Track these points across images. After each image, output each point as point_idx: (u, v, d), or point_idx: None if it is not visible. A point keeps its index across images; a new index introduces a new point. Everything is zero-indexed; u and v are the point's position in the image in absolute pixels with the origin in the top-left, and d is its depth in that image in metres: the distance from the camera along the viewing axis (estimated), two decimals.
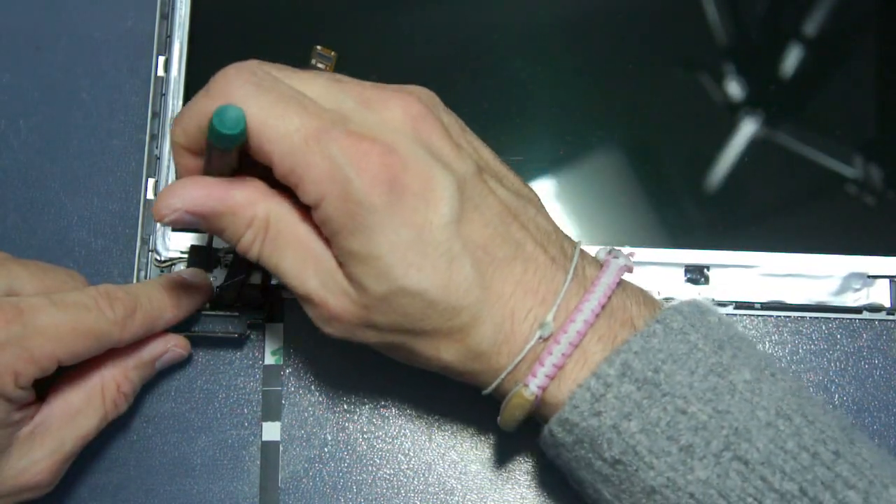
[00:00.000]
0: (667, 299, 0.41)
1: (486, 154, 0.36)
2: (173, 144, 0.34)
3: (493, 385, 0.34)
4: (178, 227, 0.34)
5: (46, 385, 0.36)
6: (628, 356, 0.32)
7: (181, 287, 0.39)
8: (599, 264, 0.35)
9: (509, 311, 0.33)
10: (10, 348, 0.33)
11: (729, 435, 0.31)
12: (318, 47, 0.43)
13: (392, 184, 0.31)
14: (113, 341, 0.36)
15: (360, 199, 0.31)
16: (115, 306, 0.36)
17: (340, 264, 0.33)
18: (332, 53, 0.43)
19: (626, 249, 0.39)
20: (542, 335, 0.33)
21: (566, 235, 0.36)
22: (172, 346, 0.39)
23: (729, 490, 0.31)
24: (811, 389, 0.41)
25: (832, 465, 0.31)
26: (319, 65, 0.43)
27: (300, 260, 0.33)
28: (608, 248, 0.36)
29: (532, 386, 0.33)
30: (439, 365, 0.34)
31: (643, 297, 0.35)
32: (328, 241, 0.33)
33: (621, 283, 0.34)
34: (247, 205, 0.33)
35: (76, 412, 0.36)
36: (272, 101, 0.32)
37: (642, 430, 0.31)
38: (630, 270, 0.34)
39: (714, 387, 0.32)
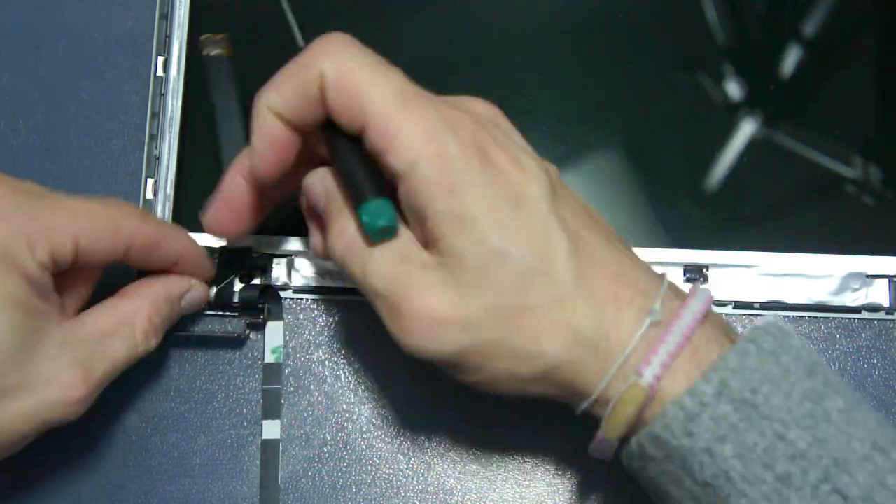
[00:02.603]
0: None
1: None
2: (262, 110, 0.33)
3: (609, 374, 0.31)
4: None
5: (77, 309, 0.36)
6: (725, 374, 0.30)
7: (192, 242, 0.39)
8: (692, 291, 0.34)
9: (611, 295, 0.31)
10: (23, 213, 0.32)
11: (828, 466, 0.29)
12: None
13: (485, 153, 0.31)
14: (129, 235, 0.35)
15: (457, 157, 0.31)
16: (128, 206, 0.36)
17: (432, 243, 0.32)
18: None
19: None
20: (653, 320, 0.31)
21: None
22: (195, 283, 0.39)
23: None
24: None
25: None
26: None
27: (386, 261, 0.32)
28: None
29: (647, 375, 0.30)
30: (541, 365, 0.31)
31: (727, 324, 0.34)
32: (417, 217, 0.32)
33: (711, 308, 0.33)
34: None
35: (107, 334, 0.35)
36: (374, 61, 0.32)
37: (737, 455, 0.30)
38: (711, 304, 0.33)
39: (811, 413, 0.30)
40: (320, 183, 0.35)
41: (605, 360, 0.31)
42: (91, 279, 0.37)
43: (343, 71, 0.32)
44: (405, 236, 0.33)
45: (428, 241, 0.32)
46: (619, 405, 0.31)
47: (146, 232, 0.36)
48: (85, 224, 0.34)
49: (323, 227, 0.36)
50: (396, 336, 0.32)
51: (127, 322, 0.36)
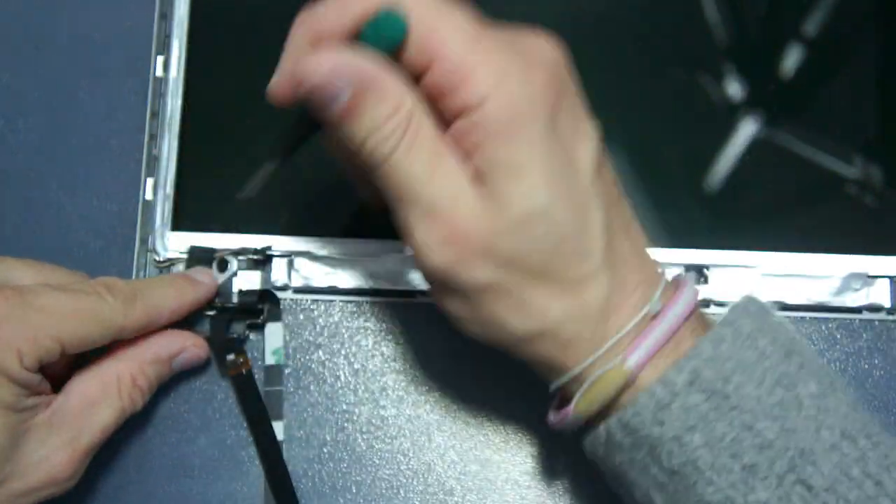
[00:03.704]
0: None
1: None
2: (298, 35, 0.31)
3: (596, 354, 0.31)
4: (311, 96, 0.30)
5: (63, 382, 0.36)
6: (698, 363, 0.30)
7: (183, 280, 0.39)
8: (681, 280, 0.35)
9: (622, 277, 0.32)
10: (10, 324, 0.33)
11: (794, 457, 0.30)
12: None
13: (555, 103, 0.30)
14: (116, 327, 0.36)
15: (526, 105, 0.30)
16: (114, 293, 0.36)
17: (479, 180, 0.30)
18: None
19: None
20: (651, 311, 0.31)
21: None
22: (190, 344, 0.39)
23: None
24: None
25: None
26: None
27: (435, 165, 0.30)
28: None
29: (632, 360, 0.31)
30: (538, 324, 0.31)
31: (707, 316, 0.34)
32: (468, 154, 0.31)
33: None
34: (398, 89, 0.30)
35: (93, 403, 0.36)
36: None
37: (705, 445, 0.30)
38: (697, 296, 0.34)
39: (781, 401, 0.30)
40: (339, 60, 0.30)
41: (599, 339, 0.31)
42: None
43: (410, 3, 0.30)
44: (455, 156, 0.31)
45: (474, 178, 0.31)
46: (598, 384, 0.31)
47: (134, 321, 0.36)
48: (71, 325, 0.34)
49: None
50: (424, 248, 0.31)
51: (112, 386, 0.37)
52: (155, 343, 0.38)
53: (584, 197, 0.31)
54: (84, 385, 0.36)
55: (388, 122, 0.30)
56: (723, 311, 0.41)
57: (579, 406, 0.32)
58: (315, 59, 0.30)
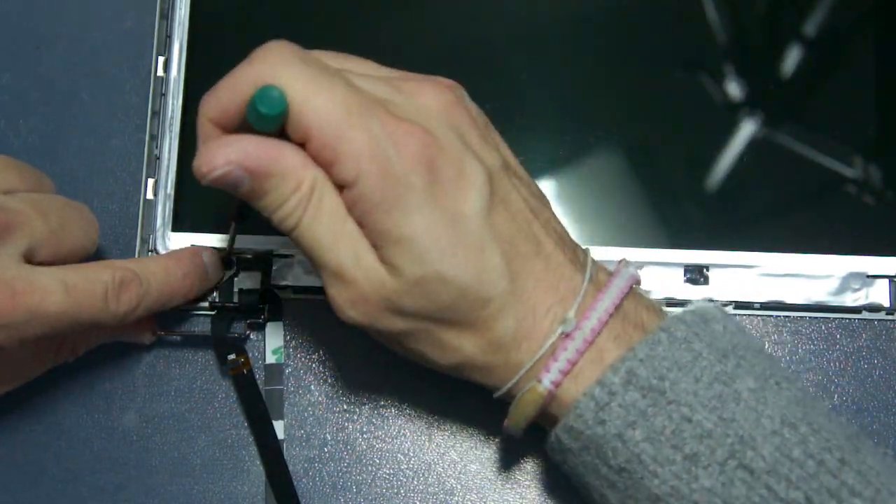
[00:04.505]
0: (667, 300, 0.41)
1: (508, 152, 0.36)
2: (202, 118, 0.33)
3: (512, 381, 0.33)
4: (217, 185, 0.32)
5: None
6: (633, 363, 0.32)
7: (197, 271, 0.39)
8: (609, 271, 0.35)
9: (531, 306, 0.33)
10: (5, 331, 0.33)
11: (734, 443, 0.31)
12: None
13: (430, 166, 0.31)
14: (101, 326, 0.36)
15: (399, 178, 0.31)
16: (122, 300, 0.35)
17: (373, 247, 0.32)
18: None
19: (632, 260, 0.38)
20: (564, 330, 0.32)
21: (576, 242, 0.36)
22: (140, 330, 0.40)
23: (734, 499, 0.30)
24: (817, 395, 0.41)
25: (838, 472, 0.30)
26: None
27: (338, 232, 0.32)
28: (620, 260, 0.36)
29: (545, 381, 0.32)
30: (457, 359, 0.34)
31: (652, 306, 0.35)
32: (359, 223, 0.32)
33: (633, 291, 0.34)
34: (297, 167, 0.32)
35: (26, 361, 0.37)
36: (316, 72, 0.31)
37: (647, 439, 0.31)
38: (638, 283, 0.35)
39: (719, 394, 0.31)
40: (231, 153, 0.32)
41: (514, 366, 0.33)
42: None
43: (282, 82, 0.31)
44: (360, 234, 0.32)
45: (371, 244, 0.32)
46: (519, 405, 0.33)
47: (121, 324, 0.36)
48: (62, 327, 0.34)
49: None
50: (337, 306, 0.33)
51: (52, 343, 0.37)
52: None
53: (477, 244, 0.32)
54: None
55: (291, 199, 0.32)
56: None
57: (510, 423, 0.34)
58: (207, 156, 0.31)
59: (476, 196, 0.32)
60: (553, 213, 0.36)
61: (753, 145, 0.44)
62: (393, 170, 0.31)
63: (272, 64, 0.31)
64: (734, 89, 0.45)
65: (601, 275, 0.34)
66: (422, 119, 0.32)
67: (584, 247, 0.36)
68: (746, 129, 0.44)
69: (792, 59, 0.45)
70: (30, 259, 0.34)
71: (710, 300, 0.41)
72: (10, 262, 0.33)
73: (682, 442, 0.31)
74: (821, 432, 0.31)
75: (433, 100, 0.33)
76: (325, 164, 0.32)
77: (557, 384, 0.32)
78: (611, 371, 0.32)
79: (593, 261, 0.35)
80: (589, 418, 0.32)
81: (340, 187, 0.32)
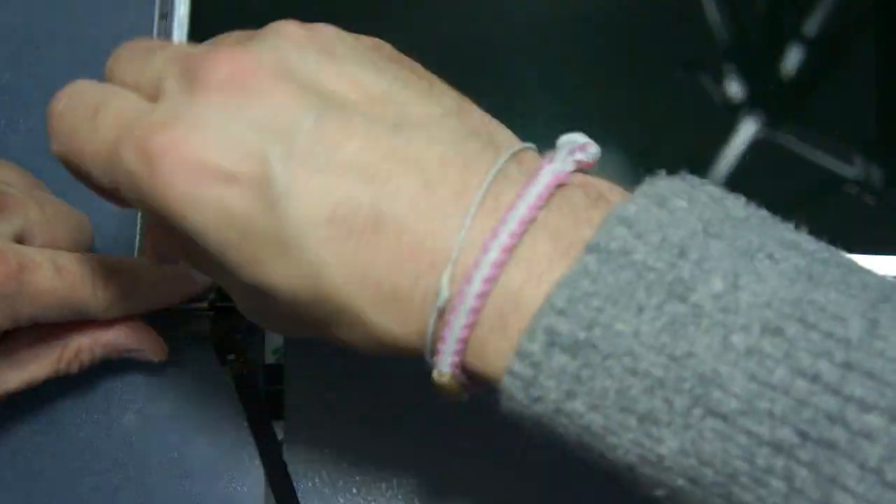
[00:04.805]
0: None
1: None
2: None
3: (425, 356, 0.27)
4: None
5: None
6: (551, 320, 0.24)
7: (185, 272, 0.39)
8: (528, 174, 0.26)
9: (389, 292, 0.26)
10: None
11: (694, 387, 0.23)
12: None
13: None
14: (90, 317, 0.36)
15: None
16: (109, 287, 0.36)
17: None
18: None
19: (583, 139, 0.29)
20: (440, 307, 0.25)
21: (489, 142, 0.27)
22: (147, 349, 0.39)
23: (710, 456, 0.23)
24: (833, 249, 0.28)
25: (840, 385, 0.22)
26: None
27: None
28: (571, 140, 0.28)
29: (443, 366, 0.27)
30: (374, 347, 0.28)
31: (604, 192, 0.27)
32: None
33: (561, 196, 0.26)
34: None
35: (31, 357, 0.37)
36: (77, 150, 0.28)
37: (591, 408, 0.25)
38: (589, 166, 0.27)
39: (671, 322, 0.24)
40: None
41: (413, 347, 0.27)
42: None
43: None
44: None
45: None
46: (439, 389, 0.28)
47: (108, 316, 0.37)
48: (52, 310, 0.34)
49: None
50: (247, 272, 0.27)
51: (56, 350, 0.37)
52: (118, 332, 0.38)
53: (269, 244, 0.26)
54: (30, 336, 0.36)
55: None
56: None
57: (444, 400, 0.29)
58: None
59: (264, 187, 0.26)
60: (439, 122, 0.27)
61: (753, 145, 0.44)
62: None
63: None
64: (734, 89, 0.45)
65: (507, 192, 0.26)
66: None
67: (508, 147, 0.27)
68: (746, 130, 0.44)
69: (792, 59, 0.45)
70: (21, 243, 0.35)
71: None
72: (0, 239, 0.34)
73: (633, 401, 0.24)
74: (823, 322, 0.23)
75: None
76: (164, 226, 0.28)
77: (456, 365, 0.26)
78: (526, 337, 0.25)
79: (516, 160, 0.26)
80: (521, 398, 0.25)
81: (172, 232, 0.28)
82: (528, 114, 0.44)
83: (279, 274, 0.26)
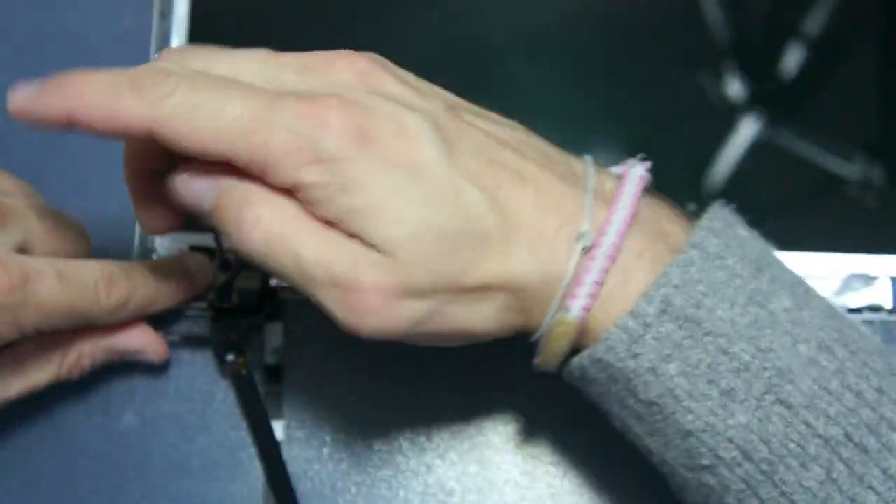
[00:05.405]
0: (688, 205, 0.39)
1: (450, 95, 0.34)
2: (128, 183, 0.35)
3: (548, 316, 0.31)
4: (186, 210, 0.32)
5: None
6: (668, 290, 0.30)
7: (182, 275, 0.39)
8: (616, 176, 0.33)
9: (537, 231, 0.30)
10: (2, 313, 0.33)
11: (772, 376, 0.29)
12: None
13: (362, 132, 0.29)
14: (94, 324, 0.36)
15: (334, 155, 0.29)
16: (112, 293, 0.36)
17: (354, 237, 0.30)
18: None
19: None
20: (585, 245, 0.30)
21: (571, 155, 0.33)
22: (151, 350, 0.39)
23: (771, 435, 0.29)
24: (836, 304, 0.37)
25: (877, 405, 0.29)
26: None
27: (317, 246, 0.30)
28: (625, 161, 0.33)
29: (575, 309, 0.30)
30: (491, 316, 0.31)
31: (671, 210, 0.33)
32: (325, 221, 0.30)
33: (645, 195, 0.32)
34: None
35: (32, 363, 0.37)
36: (205, 97, 0.30)
37: (682, 373, 0.30)
38: (648, 182, 0.32)
39: (755, 320, 0.30)
40: (201, 176, 0.31)
41: (545, 300, 0.31)
42: None
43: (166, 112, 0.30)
44: (335, 233, 0.31)
45: (350, 236, 0.31)
46: (550, 340, 0.31)
47: (112, 321, 0.37)
48: (56, 318, 0.34)
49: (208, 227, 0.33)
50: (351, 321, 0.30)
51: (57, 355, 0.37)
52: (118, 336, 0.38)
53: (449, 186, 0.30)
54: (31, 343, 0.36)
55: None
56: None
57: (543, 362, 0.32)
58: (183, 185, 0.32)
59: (427, 144, 0.30)
60: (529, 134, 0.34)
61: (754, 145, 0.44)
62: (325, 150, 0.29)
63: (155, 104, 0.31)
64: (735, 89, 0.45)
65: (608, 183, 0.32)
66: (338, 90, 0.30)
67: (585, 157, 0.34)
68: (747, 129, 0.44)
69: (793, 58, 0.45)
70: (23, 253, 0.35)
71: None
72: (3, 250, 0.34)
73: (719, 376, 0.29)
74: (857, 355, 0.30)
75: (346, 71, 0.31)
76: (262, 176, 0.30)
77: (588, 309, 0.30)
78: (644, 300, 0.30)
79: (597, 170, 0.32)
80: (621, 351, 0.30)
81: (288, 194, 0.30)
82: (528, 113, 0.44)
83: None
